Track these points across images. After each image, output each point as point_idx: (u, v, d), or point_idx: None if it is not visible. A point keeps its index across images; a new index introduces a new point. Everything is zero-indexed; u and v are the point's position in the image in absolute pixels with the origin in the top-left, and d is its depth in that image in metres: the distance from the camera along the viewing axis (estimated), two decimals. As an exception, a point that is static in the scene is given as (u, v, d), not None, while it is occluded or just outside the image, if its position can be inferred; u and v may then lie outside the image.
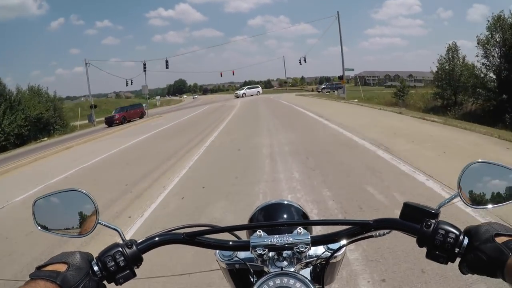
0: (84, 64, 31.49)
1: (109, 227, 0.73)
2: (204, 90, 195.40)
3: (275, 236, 0.72)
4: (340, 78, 31.40)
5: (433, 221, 0.67)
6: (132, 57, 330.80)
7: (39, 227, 0.74)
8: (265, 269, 0.74)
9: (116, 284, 0.69)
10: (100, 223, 0.73)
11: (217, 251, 0.83)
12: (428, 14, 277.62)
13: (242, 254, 0.82)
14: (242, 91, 49.46)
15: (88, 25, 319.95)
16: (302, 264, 0.77)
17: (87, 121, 30.26)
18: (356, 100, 25.18)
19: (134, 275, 0.69)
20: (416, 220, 0.69)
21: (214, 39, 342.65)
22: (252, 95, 46.54)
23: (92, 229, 0.74)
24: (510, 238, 0.61)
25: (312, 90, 60.32)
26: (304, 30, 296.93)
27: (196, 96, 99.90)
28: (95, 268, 0.67)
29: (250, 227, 0.89)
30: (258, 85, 56.01)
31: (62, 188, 0.77)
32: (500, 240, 0.61)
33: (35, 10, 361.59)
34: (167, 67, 36.31)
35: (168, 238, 0.76)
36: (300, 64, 48.00)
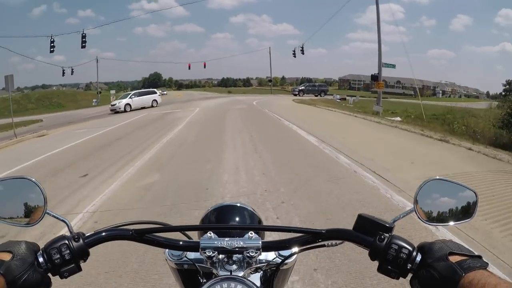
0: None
1: (57, 218, 0.71)
2: (179, 85, 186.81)
3: (226, 239, 0.71)
4: (375, 79, 19.78)
5: (387, 235, 0.66)
6: (112, 48, 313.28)
7: None
8: (214, 271, 0.73)
9: (61, 278, 0.66)
10: (48, 213, 0.71)
11: (167, 250, 0.80)
12: (412, 22, 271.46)
13: (191, 255, 0.80)
14: (124, 101, 26.48)
15: (70, 13, 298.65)
16: (252, 269, 0.75)
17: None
18: (399, 119, 14.30)
19: (80, 269, 0.67)
20: (369, 233, 0.68)
21: (196, 34, 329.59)
22: (144, 107, 26.79)
23: (40, 219, 0.72)
24: (463, 257, 0.60)
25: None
26: (285, 31, 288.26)
27: (165, 92, 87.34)
28: (40, 259, 0.65)
29: (201, 228, 0.87)
30: (155, 90, 31.28)
31: (11, 176, 0.75)
32: (453, 259, 0.60)
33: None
34: (83, 46, 24.50)
35: (117, 234, 0.73)
36: (294, 56, 38.34)
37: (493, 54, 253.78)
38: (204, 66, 49.89)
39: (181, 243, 0.73)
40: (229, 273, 0.70)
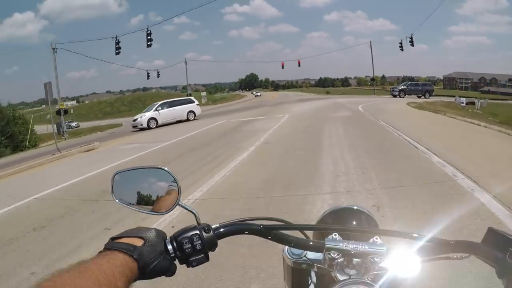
0: (51, 49, 19.91)
1: (187, 209, 0.72)
2: (276, 86, 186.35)
3: (351, 241, 0.68)
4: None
5: None
6: (209, 51, 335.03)
7: (117, 200, 0.74)
8: (332, 273, 0.71)
9: (188, 266, 0.67)
10: (179, 204, 0.72)
11: (286, 247, 0.80)
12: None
13: (310, 255, 0.79)
14: (147, 115, 19.96)
15: (166, 21, 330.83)
16: (371, 275, 0.70)
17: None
18: None
19: (208, 259, 0.67)
20: (499, 248, 0.62)
21: (290, 34, 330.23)
22: (173, 122, 20.55)
23: (171, 209, 0.72)
24: None
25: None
26: (382, 26, 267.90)
27: (259, 93, 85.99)
28: (169, 247, 0.65)
29: (327, 229, 0.84)
30: (193, 99, 23.23)
31: (146, 165, 0.76)
32: None
33: (115, 8, 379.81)
34: (148, 45, 22.00)
35: (246, 227, 0.73)
36: (402, 49, 31.62)
37: None
38: (299, 65, 46.17)
39: (311, 243, 0.73)
40: (348, 277, 0.67)
